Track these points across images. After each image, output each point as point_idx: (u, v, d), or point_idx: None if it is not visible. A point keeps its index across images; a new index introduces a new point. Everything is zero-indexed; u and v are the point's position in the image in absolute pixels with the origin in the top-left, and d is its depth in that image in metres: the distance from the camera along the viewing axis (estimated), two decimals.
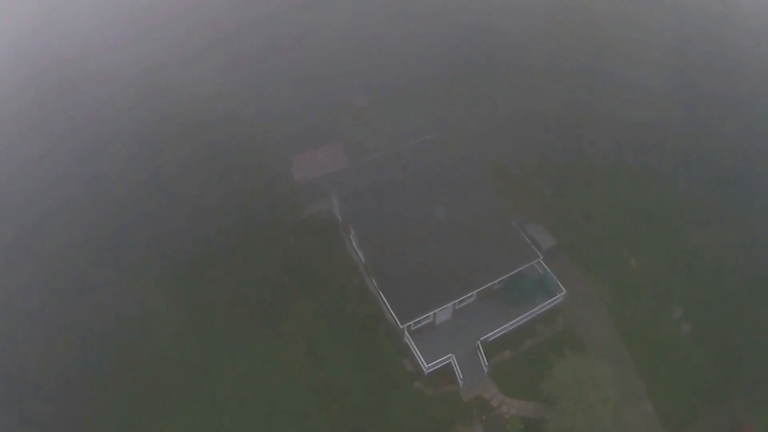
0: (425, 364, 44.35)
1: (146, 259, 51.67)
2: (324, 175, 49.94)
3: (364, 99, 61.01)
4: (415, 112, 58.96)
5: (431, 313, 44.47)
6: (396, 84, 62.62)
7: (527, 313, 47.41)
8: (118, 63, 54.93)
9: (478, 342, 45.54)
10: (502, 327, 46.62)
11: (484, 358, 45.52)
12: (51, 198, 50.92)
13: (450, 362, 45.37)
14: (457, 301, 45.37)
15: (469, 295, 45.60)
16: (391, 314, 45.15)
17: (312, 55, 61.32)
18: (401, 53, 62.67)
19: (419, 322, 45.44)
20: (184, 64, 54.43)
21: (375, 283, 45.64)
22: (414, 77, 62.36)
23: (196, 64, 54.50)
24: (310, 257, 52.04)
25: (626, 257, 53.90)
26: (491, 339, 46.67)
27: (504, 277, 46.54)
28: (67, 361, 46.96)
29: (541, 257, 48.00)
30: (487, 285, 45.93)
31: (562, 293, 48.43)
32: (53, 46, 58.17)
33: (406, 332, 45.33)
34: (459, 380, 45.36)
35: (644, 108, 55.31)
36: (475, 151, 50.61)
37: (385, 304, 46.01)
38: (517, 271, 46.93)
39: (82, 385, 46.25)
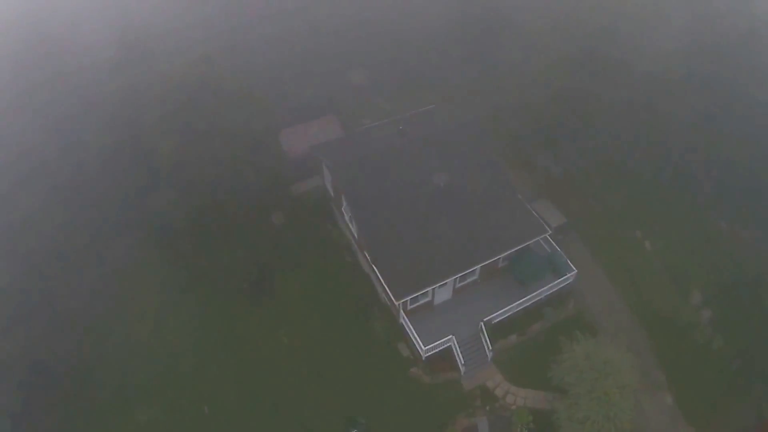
0: (423, 347, 38.55)
1: (123, 234, 46.02)
2: (315, 145, 44.39)
3: (360, 74, 55.62)
4: (415, 89, 53.49)
5: (429, 289, 38.72)
6: (395, 59, 57.09)
7: (535, 293, 41.69)
8: (99, 22, 49.64)
9: (481, 323, 39.70)
10: (507, 308, 40.82)
11: (488, 342, 39.66)
12: (25, 165, 45.42)
13: (450, 345, 39.58)
14: (457, 277, 39.65)
15: (470, 270, 39.83)
16: (386, 292, 39.43)
17: (308, 28, 55.93)
18: (401, 28, 57.18)
19: (416, 300, 39.75)
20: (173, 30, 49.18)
21: (368, 257, 39.86)
22: (414, 52, 56.87)
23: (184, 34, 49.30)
24: (299, 234, 46.43)
25: (640, 239, 48.13)
26: (495, 321, 40.91)
27: (509, 252, 40.78)
28: (37, 343, 41.07)
29: (550, 231, 42.17)
30: (491, 260, 40.20)
31: (573, 273, 42.58)
32: (30, 4, 52.54)
33: (402, 312, 39.58)
34: (460, 366, 39.65)
35: (660, 85, 49.74)
36: (478, 122, 44.90)
37: (379, 281, 40.30)
38: (523, 245, 41.12)
39: (53, 370, 40.49)
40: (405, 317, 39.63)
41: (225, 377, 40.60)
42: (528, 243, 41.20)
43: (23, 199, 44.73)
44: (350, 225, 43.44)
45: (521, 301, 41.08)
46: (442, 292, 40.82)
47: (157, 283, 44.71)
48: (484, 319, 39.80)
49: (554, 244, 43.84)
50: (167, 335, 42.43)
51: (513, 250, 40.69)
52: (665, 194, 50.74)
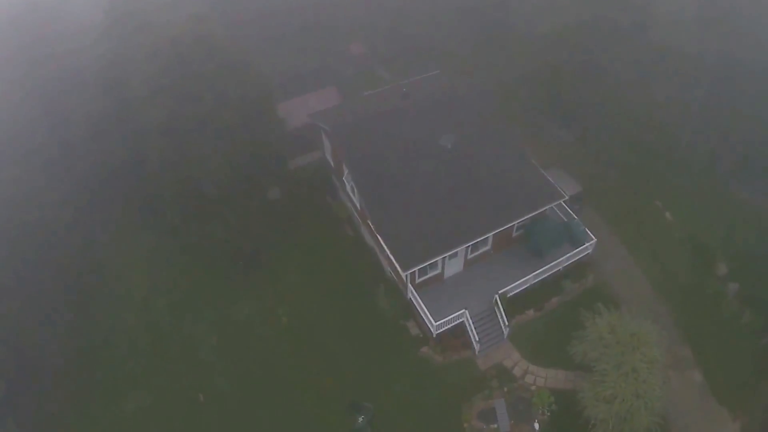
0: (433, 323, 34.08)
1: (110, 209, 41.70)
2: (314, 112, 40.04)
3: (361, 45, 51.27)
4: (418, 59, 49.10)
5: (439, 258, 34.26)
6: (397, 29, 52.57)
7: (553, 263, 37.22)
8: None
9: (496, 296, 35.21)
10: (523, 279, 36.42)
11: (504, 317, 35.16)
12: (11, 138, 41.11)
13: (463, 321, 35.12)
14: (469, 246, 35.20)
15: (482, 238, 35.35)
16: (392, 265, 35.07)
17: None
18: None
19: (425, 272, 35.41)
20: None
21: (372, 227, 35.40)
22: (417, 21, 52.35)
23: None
24: (298, 209, 42.19)
25: (660, 209, 43.70)
26: (511, 295, 36.46)
27: (524, 218, 36.35)
28: (20, 326, 36.38)
29: (567, 197, 37.72)
30: (505, 227, 35.76)
31: (592, 242, 38.12)
32: None
33: (410, 286, 35.10)
34: (474, 344, 35.14)
35: (676, 52, 45.32)
36: (486, 86, 40.69)
37: (384, 253, 35.99)
38: (538, 212, 36.66)
39: (37, 355, 35.82)
40: (413, 291, 35.24)
41: (220, 361, 36.31)
42: (544, 209, 36.78)
43: (6, 172, 40.27)
44: (352, 195, 39.02)
45: (538, 272, 36.69)
46: (452, 264, 36.44)
47: (147, 261, 40.62)
48: (499, 292, 35.36)
49: (571, 213, 39.45)
50: (158, 316, 38.34)
51: (528, 216, 36.27)
52: (684, 164, 46.29)
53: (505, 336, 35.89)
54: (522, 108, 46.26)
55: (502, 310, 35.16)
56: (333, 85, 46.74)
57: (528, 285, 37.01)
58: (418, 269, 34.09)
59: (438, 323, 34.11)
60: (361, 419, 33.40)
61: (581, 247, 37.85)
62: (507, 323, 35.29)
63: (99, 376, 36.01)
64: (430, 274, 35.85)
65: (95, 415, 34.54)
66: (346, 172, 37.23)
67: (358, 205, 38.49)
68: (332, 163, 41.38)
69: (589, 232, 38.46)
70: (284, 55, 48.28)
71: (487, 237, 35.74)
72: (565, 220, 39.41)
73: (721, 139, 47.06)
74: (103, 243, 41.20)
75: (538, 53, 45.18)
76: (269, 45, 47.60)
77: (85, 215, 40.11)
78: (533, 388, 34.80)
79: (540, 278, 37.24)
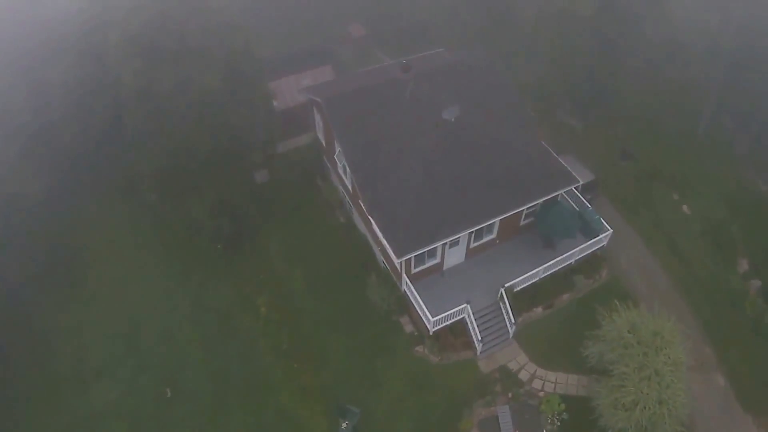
0: (430, 319, 27.93)
1: (80, 186, 35.89)
2: (306, 87, 34.07)
3: (361, 27, 45.38)
4: (420, 42, 43.19)
5: (438, 245, 28.07)
6: (400, 12, 46.83)
7: (565, 255, 30.99)
8: None
9: (502, 289, 28.99)
10: (532, 272, 30.19)
11: (510, 314, 29.01)
12: None
13: (464, 318, 29.01)
14: (472, 232, 29.02)
15: (487, 224, 29.13)
16: (385, 253, 29.05)
17: None
18: None
19: (422, 261, 29.31)
20: None
21: (364, 208, 29.27)
22: (420, 3, 46.49)
23: None
24: (286, 191, 36.17)
25: (677, 202, 37.59)
26: (518, 290, 30.29)
27: (533, 204, 30.14)
28: None
29: (581, 182, 31.54)
30: (513, 212, 29.57)
31: (608, 233, 31.95)
32: None
33: (405, 276, 28.97)
34: (476, 343, 29.06)
35: (689, 34, 39.53)
36: (493, 62, 34.55)
37: (377, 240, 29.99)
38: (551, 196, 30.47)
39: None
40: (409, 282, 29.10)
41: (191, 353, 30.51)
42: (557, 194, 30.57)
43: None
44: (343, 176, 32.85)
45: (549, 264, 30.44)
46: (453, 253, 30.32)
47: (121, 242, 34.83)
48: (505, 285, 29.15)
49: (585, 202, 33.27)
50: (129, 304, 32.42)
51: (538, 201, 30.07)
52: (701, 156, 40.22)
53: (511, 335, 29.84)
54: (530, 93, 40.19)
55: (508, 306, 29.03)
56: (329, 64, 40.64)
57: (537, 279, 30.91)
58: (415, 257, 28.03)
59: (435, 319, 28.02)
60: (344, 425, 27.43)
61: (596, 238, 31.65)
62: (513, 321, 29.14)
63: (65, 371, 30.27)
64: (428, 264, 29.74)
65: (59, 408, 28.93)
66: (337, 149, 31.07)
67: (350, 187, 32.36)
68: (323, 142, 35.25)
69: (604, 222, 32.30)
70: (280, 35, 42.28)
71: (493, 223, 29.62)
72: (578, 209, 33.24)
73: (739, 130, 41.10)
74: (74, 223, 35.38)
75: (549, 37, 39.27)
76: (265, 24, 41.50)
77: (54, 195, 34.05)
78: (541, 394, 28.93)
79: (550, 271, 31.10)
